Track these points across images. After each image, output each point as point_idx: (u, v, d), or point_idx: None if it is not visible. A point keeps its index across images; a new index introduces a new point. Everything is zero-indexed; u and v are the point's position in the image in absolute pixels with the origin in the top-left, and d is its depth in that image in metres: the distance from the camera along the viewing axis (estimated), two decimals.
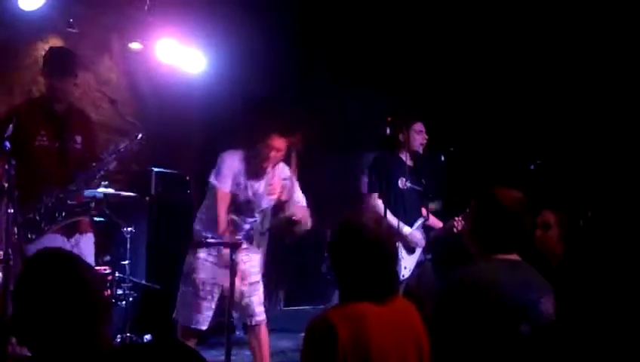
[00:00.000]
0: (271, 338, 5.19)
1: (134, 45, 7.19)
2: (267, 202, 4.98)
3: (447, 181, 5.90)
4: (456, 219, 5.63)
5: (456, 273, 2.93)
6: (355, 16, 7.89)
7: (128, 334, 5.95)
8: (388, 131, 5.64)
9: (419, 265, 5.77)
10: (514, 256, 2.96)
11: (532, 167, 5.67)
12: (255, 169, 4.87)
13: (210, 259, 4.89)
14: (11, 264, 3.98)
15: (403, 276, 5.53)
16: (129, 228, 6.16)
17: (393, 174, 5.72)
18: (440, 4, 7.55)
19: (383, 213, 5.39)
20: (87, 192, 4.85)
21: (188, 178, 7.11)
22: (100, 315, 2.16)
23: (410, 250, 5.71)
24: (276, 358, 6.26)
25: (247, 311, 4.91)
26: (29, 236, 4.50)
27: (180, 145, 7.89)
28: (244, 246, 4.83)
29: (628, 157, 6.51)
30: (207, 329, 4.97)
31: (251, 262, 5.00)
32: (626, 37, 6.60)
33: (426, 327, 2.83)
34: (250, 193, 4.89)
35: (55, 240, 4.60)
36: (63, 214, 4.60)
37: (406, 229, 5.67)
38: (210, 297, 4.87)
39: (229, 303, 4.36)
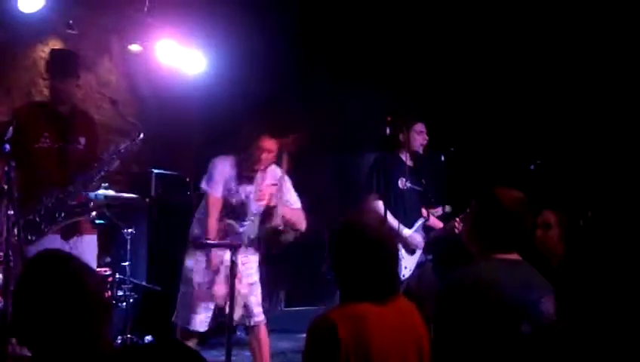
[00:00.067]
0: (271, 339, 5.19)
1: (134, 47, 7.20)
2: (257, 207, 4.99)
3: (448, 181, 5.89)
4: (457, 219, 5.63)
5: (457, 273, 2.93)
6: (355, 17, 7.89)
7: (129, 335, 5.96)
8: (388, 131, 5.64)
9: (419, 265, 5.76)
10: (514, 256, 2.96)
11: (532, 167, 5.67)
12: (246, 172, 4.89)
13: (205, 262, 4.90)
14: (11, 265, 3.98)
15: (403, 276, 5.53)
16: (129, 230, 6.17)
17: (393, 174, 5.71)
18: (440, 4, 7.54)
19: (383, 214, 5.39)
20: (90, 194, 4.84)
21: (188, 179, 7.11)
22: (100, 316, 2.16)
23: (410, 251, 5.70)
24: (277, 359, 6.26)
25: (246, 312, 4.92)
26: (29, 237, 4.49)
27: (180, 146, 7.89)
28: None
29: (628, 157, 6.51)
30: (207, 330, 4.98)
31: (249, 263, 5.01)
32: (626, 37, 6.60)
33: (426, 327, 2.83)
34: (243, 196, 4.90)
35: (55, 241, 4.60)
36: (63, 215, 4.60)
37: (406, 231, 5.66)
38: (207, 299, 4.87)
39: (230, 304, 4.36)
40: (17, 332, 2.19)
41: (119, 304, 6.12)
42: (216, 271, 4.84)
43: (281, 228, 4.78)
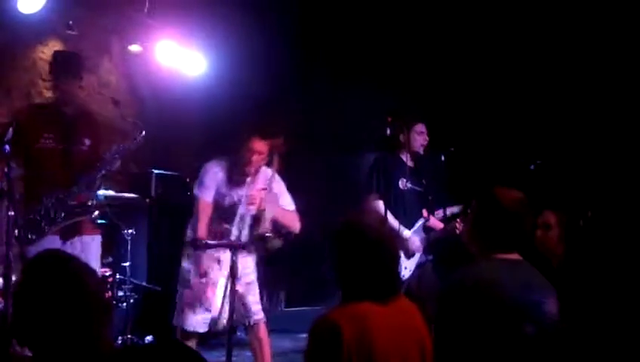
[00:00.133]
0: (272, 339, 5.19)
1: (134, 47, 7.19)
2: (246, 211, 4.99)
3: (448, 181, 5.89)
4: (458, 220, 5.62)
5: (458, 274, 2.92)
6: (355, 17, 7.89)
7: (129, 336, 5.96)
8: (388, 132, 5.63)
9: (419, 266, 5.76)
10: (515, 256, 2.96)
11: (532, 167, 5.66)
12: (238, 176, 4.91)
13: (209, 261, 4.91)
14: (12, 265, 3.99)
15: (403, 276, 5.52)
16: (129, 230, 6.17)
17: (394, 175, 5.71)
18: (440, 5, 7.54)
19: (383, 214, 5.39)
20: (91, 194, 4.84)
21: (188, 180, 7.10)
22: (101, 317, 2.16)
23: (408, 255, 5.69)
24: (277, 359, 6.25)
25: (244, 311, 4.92)
26: (30, 237, 4.50)
27: (180, 146, 7.89)
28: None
29: (628, 157, 6.51)
30: (207, 331, 4.98)
31: (246, 263, 5.01)
32: (626, 37, 6.60)
33: (427, 328, 2.83)
34: (235, 199, 4.92)
35: (56, 241, 4.60)
36: (63, 215, 4.60)
37: (406, 233, 5.66)
38: (204, 299, 4.88)
39: (230, 304, 4.36)
40: (18, 333, 2.20)
41: (119, 304, 6.12)
42: (203, 275, 4.85)
43: (268, 234, 4.78)
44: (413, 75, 7.72)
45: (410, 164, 5.79)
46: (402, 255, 5.58)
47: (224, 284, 4.84)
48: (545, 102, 7.11)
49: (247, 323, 4.99)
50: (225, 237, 4.91)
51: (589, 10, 6.74)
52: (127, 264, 6.20)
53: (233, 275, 4.24)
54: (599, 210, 4.86)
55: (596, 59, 6.79)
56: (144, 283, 6.70)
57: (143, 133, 4.69)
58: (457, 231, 5.52)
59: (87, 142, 4.79)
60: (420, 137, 5.84)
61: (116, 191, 5.45)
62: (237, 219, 4.88)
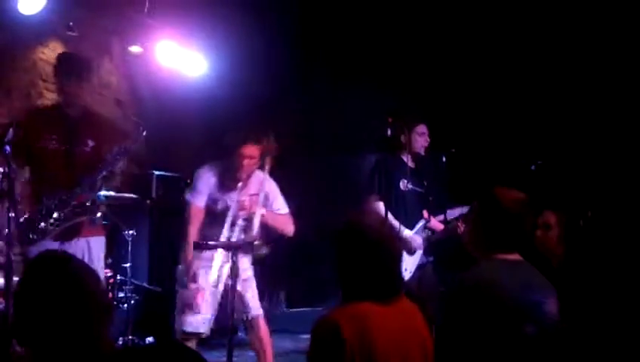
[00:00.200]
0: (273, 340, 5.19)
1: (134, 48, 7.20)
2: (237, 214, 5.00)
3: (449, 182, 5.88)
4: (459, 220, 5.61)
5: (459, 275, 2.93)
6: (356, 17, 7.90)
7: (130, 336, 5.96)
8: (389, 133, 5.62)
9: (420, 267, 5.75)
10: (515, 257, 2.96)
11: (533, 167, 5.66)
12: (230, 181, 4.92)
13: (202, 262, 4.94)
14: (13, 266, 3.99)
15: (403, 277, 5.52)
16: (130, 231, 6.18)
17: (394, 176, 5.70)
18: (441, 5, 7.54)
19: (384, 215, 5.38)
20: (93, 195, 4.85)
21: (189, 181, 7.11)
22: (101, 317, 2.16)
23: (411, 252, 5.69)
24: (279, 360, 6.25)
25: (242, 307, 4.93)
26: (31, 237, 4.50)
27: (181, 147, 7.90)
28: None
29: (628, 157, 6.51)
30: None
31: (242, 263, 5.01)
32: (626, 37, 6.60)
33: (428, 329, 2.83)
34: (227, 203, 4.93)
35: (58, 242, 4.60)
36: (65, 216, 4.60)
37: (406, 232, 5.65)
38: (194, 304, 4.90)
39: (230, 304, 4.36)
40: (18, 333, 2.20)
41: (120, 305, 6.12)
42: (192, 280, 4.87)
43: (256, 242, 4.79)
44: (414, 76, 7.72)
45: (411, 164, 5.78)
46: (404, 252, 5.59)
47: (214, 285, 4.89)
48: (545, 103, 7.11)
49: (245, 318, 4.99)
50: (217, 241, 4.93)
51: (589, 11, 6.74)
52: (127, 265, 6.21)
53: (234, 275, 4.24)
54: (599, 211, 4.85)
55: (596, 60, 6.79)
56: (145, 284, 6.70)
57: (144, 132, 4.69)
58: (459, 231, 5.51)
59: (90, 143, 4.79)
60: (421, 138, 5.83)
61: (117, 192, 5.44)
62: (228, 223, 4.89)
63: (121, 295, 6.15)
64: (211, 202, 4.97)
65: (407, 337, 2.70)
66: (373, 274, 2.69)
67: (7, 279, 4.02)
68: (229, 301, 4.39)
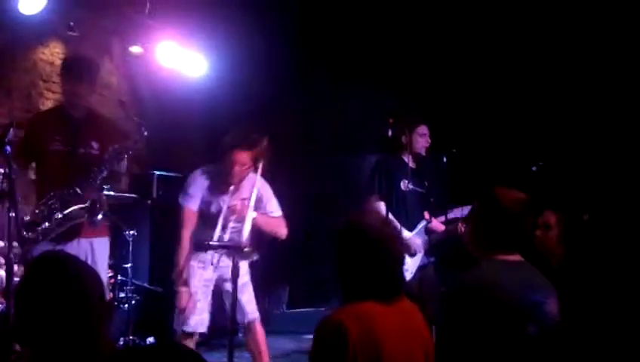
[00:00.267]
0: (274, 341, 5.20)
1: (135, 48, 7.20)
2: (229, 220, 5.01)
3: (450, 183, 5.88)
4: (460, 221, 5.61)
5: (460, 275, 2.93)
6: (356, 18, 7.89)
7: (131, 337, 5.96)
8: (390, 133, 5.61)
9: (421, 268, 5.75)
10: (516, 257, 2.96)
11: (534, 168, 5.65)
12: (222, 185, 4.95)
13: (197, 263, 4.96)
14: (14, 267, 4.00)
15: (405, 277, 5.50)
16: (131, 232, 6.17)
17: (395, 176, 5.70)
18: (441, 5, 7.54)
19: (385, 215, 5.37)
20: (94, 196, 4.85)
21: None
22: (99, 317, 2.16)
23: (411, 254, 5.68)
24: (280, 361, 6.26)
25: (239, 312, 4.94)
26: (32, 237, 4.50)
27: (181, 147, 7.90)
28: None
29: (628, 158, 6.51)
30: (208, 332, 4.99)
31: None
32: (626, 37, 6.60)
33: (429, 329, 2.83)
34: (221, 205, 4.94)
35: (61, 243, 4.60)
36: (67, 216, 4.60)
37: (406, 234, 5.64)
38: (203, 299, 4.92)
39: (232, 305, 4.36)
40: (18, 333, 2.20)
41: (121, 305, 6.12)
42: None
43: (246, 249, 4.80)
44: (414, 76, 7.72)
45: (412, 165, 5.78)
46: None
47: (206, 285, 4.94)
48: (546, 103, 7.10)
49: (241, 323, 5.00)
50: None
51: (589, 11, 6.73)
52: (128, 265, 6.20)
53: (234, 276, 4.23)
54: (599, 211, 4.85)
55: (597, 61, 6.79)
56: (146, 285, 6.70)
57: (146, 133, 4.69)
58: (460, 232, 5.50)
59: (94, 145, 4.80)
60: (422, 139, 5.82)
61: (117, 192, 5.44)
62: (220, 225, 4.90)
63: (122, 295, 6.14)
64: (204, 205, 4.98)
65: (409, 337, 2.70)
66: (376, 273, 2.68)
67: (8, 279, 4.02)
68: (230, 303, 4.39)
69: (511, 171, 5.82)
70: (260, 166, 4.98)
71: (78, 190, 4.61)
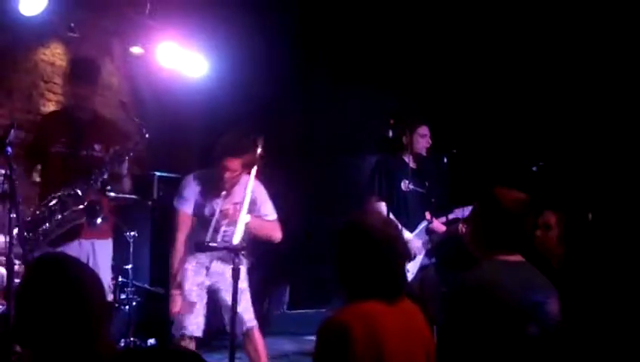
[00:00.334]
0: (274, 342, 5.19)
1: (135, 49, 7.20)
2: (221, 225, 5.01)
3: (450, 183, 5.88)
4: (461, 221, 5.61)
5: (461, 276, 2.93)
6: (356, 18, 7.89)
7: (132, 338, 5.96)
8: (390, 134, 5.61)
9: (422, 268, 5.75)
10: (517, 257, 2.96)
11: (535, 168, 5.66)
12: (215, 189, 4.97)
13: (192, 266, 4.97)
14: (15, 267, 4.00)
15: (407, 277, 5.49)
16: (132, 233, 6.17)
17: (396, 176, 5.70)
18: (442, 6, 7.54)
19: (386, 215, 5.37)
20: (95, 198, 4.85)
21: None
22: (99, 318, 2.16)
23: (411, 257, 5.67)
24: (279, 361, 6.25)
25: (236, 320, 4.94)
26: (32, 238, 4.50)
27: (182, 148, 7.90)
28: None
29: (628, 158, 6.51)
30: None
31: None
32: (626, 37, 6.60)
33: (430, 329, 2.83)
34: (214, 208, 4.95)
35: (63, 244, 4.61)
36: (68, 217, 4.60)
37: (406, 235, 5.64)
38: (199, 301, 4.93)
39: (232, 306, 4.35)
40: (19, 334, 2.20)
41: (122, 307, 6.11)
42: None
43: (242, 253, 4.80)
44: (415, 76, 7.71)
45: (412, 165, 5.78)
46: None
47: (200, 287, 4.95)
48: (547, 104, 7.10)
49: (239, 331, 4.99)
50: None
51: (589, 11, 6.73)
52: (129, 266, 6.20)
53: (235, 279, 4.23)
54: (600, 211, 4.85)
55: (597, 61, 6.79)
56: (146, 286, 6.69)
57: (147, 135, 4.70)
58: (461, 232, 5.50)
59: (97, 147, 4.81)
60: (422, 139, 5.82)
61: (117, 193, 5.43)
62: (211, 228, 4.91)
63: (123, 296, 6.14)
64: (198, 209, 5.01)
65: (411, 338, 2.70)
66: (378, 273, 2.68)
67: (9, 281, 4.02)
68: (231, 305, 4.38)
69: (511, 171, 5.82)
70: (254, 169, 4.99)
71: (79, 191, 4.62)
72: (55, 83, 6.90)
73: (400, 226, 5.48)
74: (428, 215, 5.79)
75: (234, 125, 6.13)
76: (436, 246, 5.77)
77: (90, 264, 4.48)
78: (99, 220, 4.64)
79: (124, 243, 6.16)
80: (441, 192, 5.81)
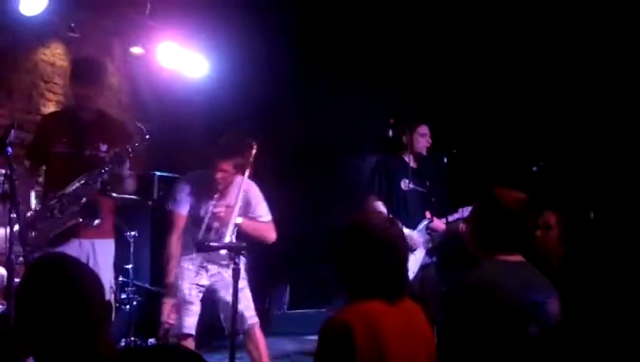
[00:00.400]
0: (275, 342, 5.19)
1: (136, 49, 7.20)
2: (213, 226, 5.02)
3: (450, 183, 5.88)
4: (461, 220, 5.61)
5: (461, 276, 2.93)
6: (357, 18, 7.89)
7: (133, 338, 5.96)
8: (390, 133, 5.62)
9: (423, 267, 5.75)
10: (517, 257, 2.96)
11: (535, 168, 5.66)
12: (208, 191, 4.98)
13: (188, 265, 4.98)
14: (16, 268, 4.00)
15: (408, 277, 5.49)
16: (132, 233, 6.17)
17: (396, 176, 5.70)
18: (442, 6, 7.54)
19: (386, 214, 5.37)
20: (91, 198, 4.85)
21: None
22: (98, 318, 2.16)
23: (410, 250, 5.66)
24: (280, 361, 6.25)
25: (238, 318, 4.94)
26: (32, 238, 4.50)
27: (182, 148, 7.89)
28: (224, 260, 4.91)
29: (629, 158, 6.51)
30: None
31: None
32: (626, 37, 6.60)
33: (431, 329, 2.83)
34: (210, 208, 4.95)
35: (63, 244, 4.61)
36: (68, 217, 4.60)
37: (405, 231, 5.64)
38: (196, 301, 4.94)
39: (232, 306, 4.36)
40: (19, 335, 2.20)
41: (122, 307, 6.12)
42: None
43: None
44: (415, 76, 7.72)
45: (412, 164, 5.78)
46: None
47: (197, 288, 4.95)
48: (546, 104, 7.10)
49: (240, 329, 4.99)
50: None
51: (589, 11, 6.73)
52: (130, 266, 6.20)
53: (236, 279, 4.23)
54: (600, 211, 4.85)
55: (597, 61, 6.79)
56: (147, 286, 6.69)
57: (148, 136, 4.69)
58: (461, 231, 5.49)
59: (102, 147, 4.80)
60: (422, 139, 5.82)
61: (117, 193, 5.43)
62: (203, 228, 4.91)
63: (124, 296, 6.14)
64: (193, 210, 5.02)
65: (412, 338, 2.70)
66: (380, 272, 2.68)
67: (9, 281, 4.02)
68: (231, 304, 4.38)
69: (511, 171, 5.82)
70: (248, 171, 5.00)
71: (80, 191, 4.61)
72: (55, 83, 6.90)
73: (401, 225, 5.51)
74: (428, 214, 5.79)
75: (234, 125, 6.14)
76: (437, 245, 5.78)
77: (91, 264, 4.47)
78: (97, 220, 4.64)
79: (124, 243, 6.16)
80: (441, 192, 5.81)
